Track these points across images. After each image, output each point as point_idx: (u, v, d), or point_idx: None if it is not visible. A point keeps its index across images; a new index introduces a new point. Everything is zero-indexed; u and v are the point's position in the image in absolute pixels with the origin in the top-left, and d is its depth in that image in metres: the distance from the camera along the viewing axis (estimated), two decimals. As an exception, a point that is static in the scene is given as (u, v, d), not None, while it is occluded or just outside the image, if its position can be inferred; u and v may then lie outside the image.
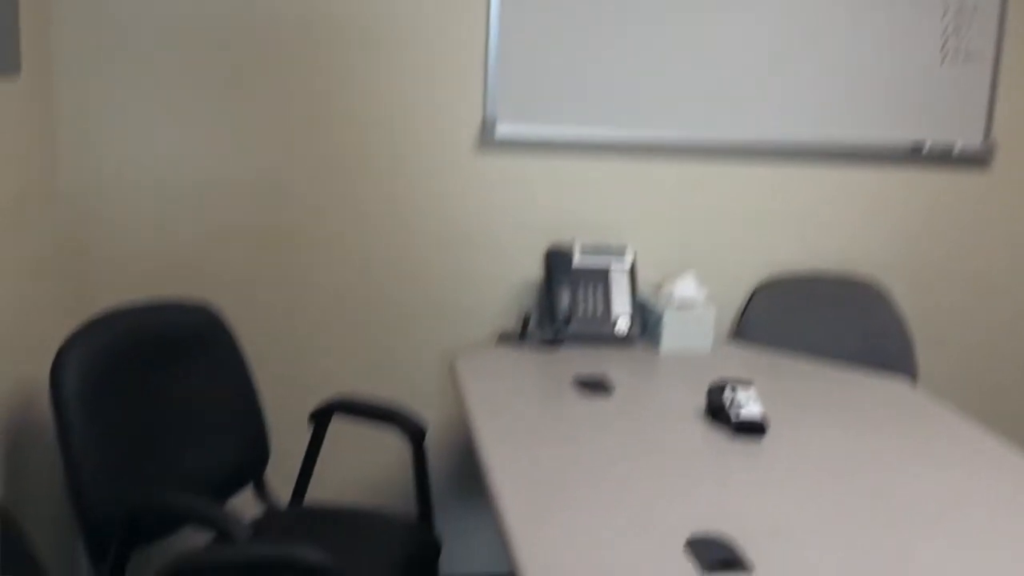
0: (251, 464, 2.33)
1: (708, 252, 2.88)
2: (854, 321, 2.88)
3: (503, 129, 2.69)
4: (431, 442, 2.82)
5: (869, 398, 2.31)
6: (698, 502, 1.68)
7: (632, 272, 2.68)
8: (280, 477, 2.61)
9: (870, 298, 2.92)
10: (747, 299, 2.90)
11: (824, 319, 2.87)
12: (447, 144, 2.70)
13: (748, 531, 1.58)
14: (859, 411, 2.22)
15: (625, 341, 2.63)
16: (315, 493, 2.75)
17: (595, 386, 2.26)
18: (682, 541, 1.54)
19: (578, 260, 2.68)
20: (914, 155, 2.92)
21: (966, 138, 2.93)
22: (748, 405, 2.00)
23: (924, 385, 3.01)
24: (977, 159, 2.97)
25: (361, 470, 2.82)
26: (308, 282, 2.70)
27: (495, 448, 1.87)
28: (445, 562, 2.89)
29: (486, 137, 2.70)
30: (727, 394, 2.03)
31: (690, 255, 2.87)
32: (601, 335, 2.61)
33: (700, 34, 2.74)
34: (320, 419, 2.42)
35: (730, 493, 1.73)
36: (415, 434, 2.32)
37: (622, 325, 2.61)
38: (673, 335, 2.58)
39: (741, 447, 1.94)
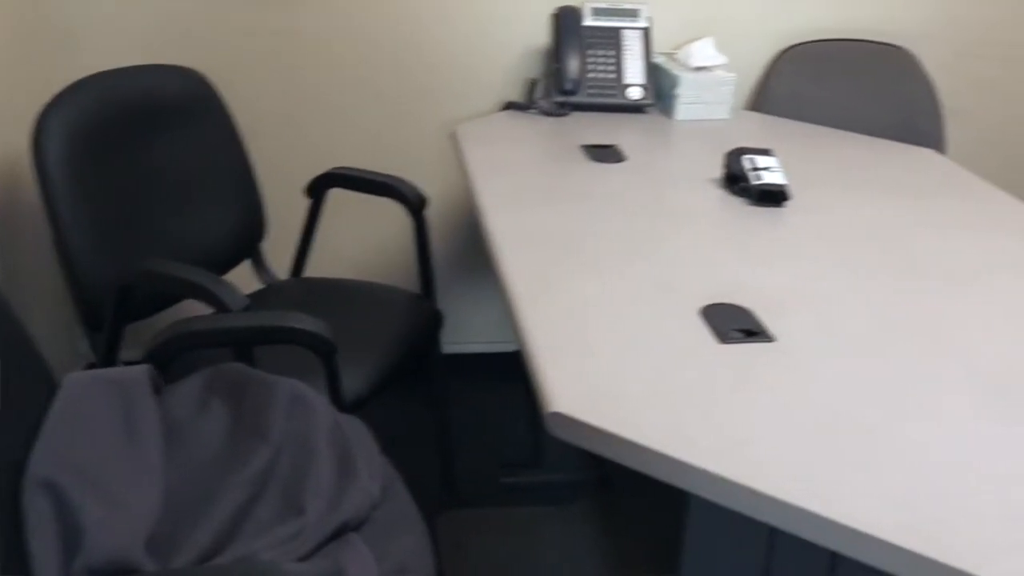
0: (247, 237, 2.24)
1: (729, 15, 2.67)
2: (882, 90, 2.71)
3: None
4: (433, 218, 2.71)
5: (896, 166, 2.19)
6: (716, 270, 1.58)
7: (647, 35, 2.50)
8: (278, 254, 2.52)
9: (900, 67, 2.73)
10: (769, 67, 2.71)
11: (850, 88, 2.70)
12: None
13: (769, 300, 1.49)
14: (886, 179, 2.09)
15: (638, 108, 2.47)
16: (315, 269, 2.67)
17: (606, 152, 2.13)
18: (698, 308, 1.45)
19: (589, 21, 2.49)
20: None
21: None
22: (769, 172, 1.88)
23: (951, 158, 2.87)
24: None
25: (362, 245, 2.73)
26: (304, 50, 2.52)
27: (498, 212, 1.76)
28: (446, 338, 2.84)
29: None
30: (746, 161, 1.90)
31: (710, 18, 2.67)
32: (613, 102, 2.45)
33: None
34: (317, 191, 2.31)
35: (750, 262, 1.63)
36: (415, 205, 2.21)
37: (635, 91, 2.45)
38: (689, 102, 2.43)
39: (761, 215, 1.83)
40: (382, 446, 1.61)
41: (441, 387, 2.39)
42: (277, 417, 1.51)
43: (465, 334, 2.87)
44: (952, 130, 2.82)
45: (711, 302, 1.47)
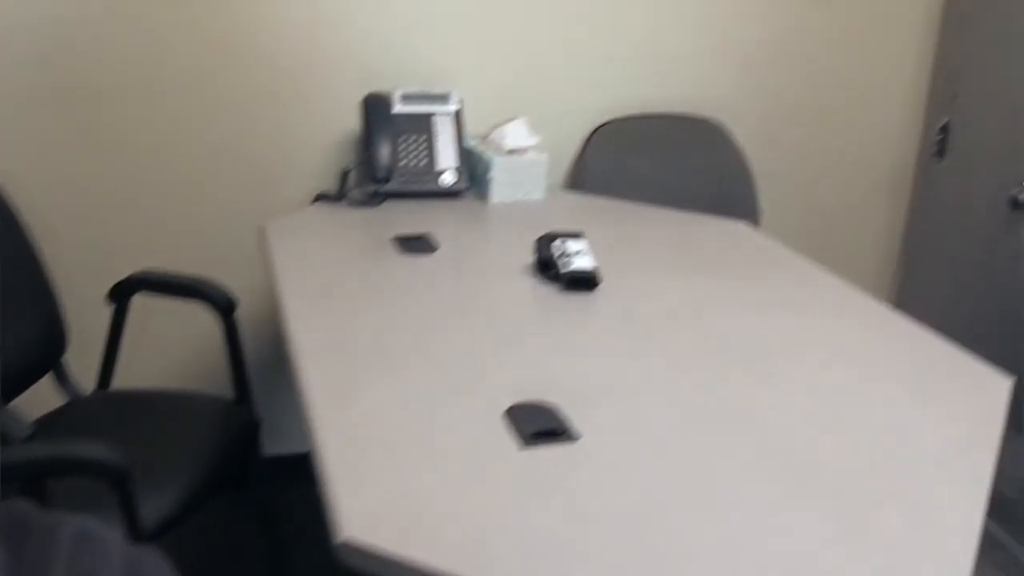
0: (47, 350, 2.09)
1: (543, 94, 2.69)
2: (696, 162, 2.76)
3: (308, -36, 2.41)
4: (248, 317, 2.61)
5: (709, 241, 2.21)
6: (524, 366, 1.54)
7: (459, 119, 2.48)
8: (83, 364, 2.36)
9: (711, 137, 2.80)
10: (584, 144, 2.74)
11: (665, 161, 2.74)
12: (245, -18, 2.41)
13: (577, 394, 1.45)
14: (698, 256, 2.11)
15: (452, 194, 2.44)
16: (123, 379, 2.52)
17: (418, 244, 2.08)
18: (503, 409, 1.40)
19: (399, 107, 2.46)
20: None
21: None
22: (579, 257, 1.86)
23: (767, 225, 2.94)
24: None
25: (171, 351, 2.60)
26: (104, 145, 2.40)
27: (301, 315, 1.68)
28: (267, 442, 2.71)
29: (289, -27, 2.42)
30: (556, 246, 1.88)
31: (524, 98, 2.68)
32: (426, 189, 2.42)
33: None
34: (120, 297, 2.18)
35: (558, 354, 1.59)
36: (224, 307, 2.11)
37: (448, 177, 2.42)
38: (503, 185, 2.41)
39: (572, 302, 1.81)
40: (204, 566, 1.49)
41: (265, 494, 2.27)
42: (59, 564, 1.38)
43: (290, 435, 2.75)
44: (765, 194, 2.90)
45: (518, 400, 1.42)
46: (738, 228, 2.32)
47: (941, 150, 2.99)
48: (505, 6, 2.60)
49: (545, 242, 1.90)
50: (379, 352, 1.56)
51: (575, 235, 1.91)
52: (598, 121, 2.74)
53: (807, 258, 2.14)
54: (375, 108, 2.42)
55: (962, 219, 2.92)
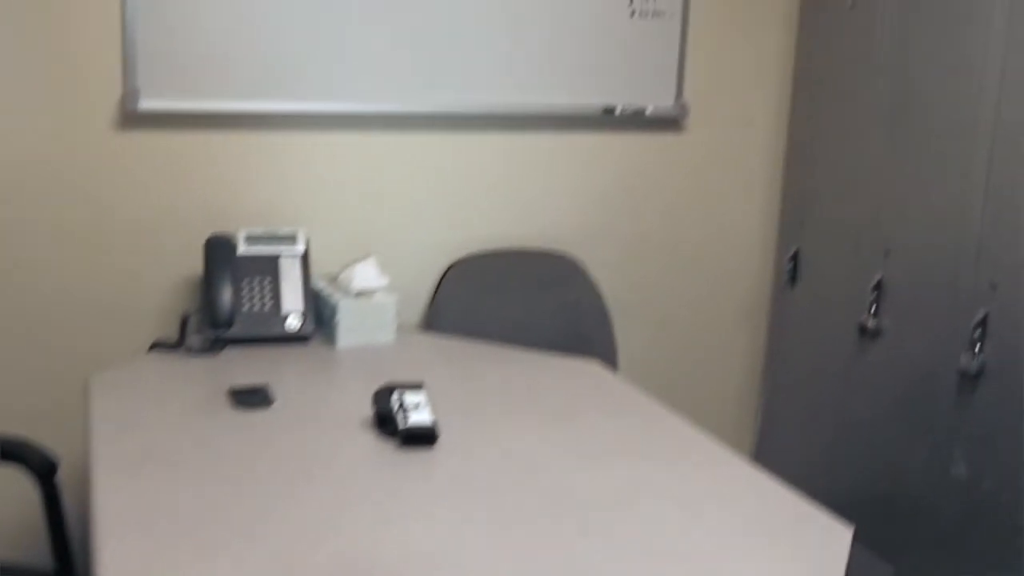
0: None
1: (394, 232, 2.66)
2: (552, 299, 2.74)
3: (149, 104, 2.35)
4: (70, 477, 2.44)
5: (560, 384, 2.17)
6: (349, 538, 1.44)
7: (306, 260, 2.42)
8: None
9: (567, 273, 2.79)
10: (438, 282, 2.69)
11: (520, 299, 2.72)
12: (81, 122, 2.32)
13: (403, 569, 1.36)
14: (547, 400, 2.06)
15: (298, 339, 2.36)
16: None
17: (254, 397, 1.99)
18: (320, 593, 1.30)
19: (243, 249, 2.38)
20: (607, 119, 2.81)
21: (658, 100, 2.85)
22: (417, 411, 1.79)
23: (624, 361, 2.92)
24: (670, 121, 2.90)
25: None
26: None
27: (109, 486, 1.56)
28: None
29: (128, 112, 2.35)
30: (395, 399, 1.81)
31: (374, 236, 2.64)
32: (270, 334, 2.33)
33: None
34: (-70, 460, 2.02)
35: (388, 523, 1.50)
36: (43, 470, 1.96)
37: (293, 321, 2.34)
38: (350, 329, 2.34)
39: (408, 460, 1.73)
40: None
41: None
42: None
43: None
44: (623, 329, 2.89)
45: (338, 581, 1.33)
46: (591, 369, 2.29)
47: (793, 277, 3.05)
48: (356, 144, 2.57)
49: (383, 395, 1.83)
50: (191, 530, 1.45)
51: (415, 386, 1.85)
52: (453, 258, 2.70)
53: (662, 395, 2.12)
54: (217, 250, 2.34)
55: (817, 345, 2.96)
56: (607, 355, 2.75)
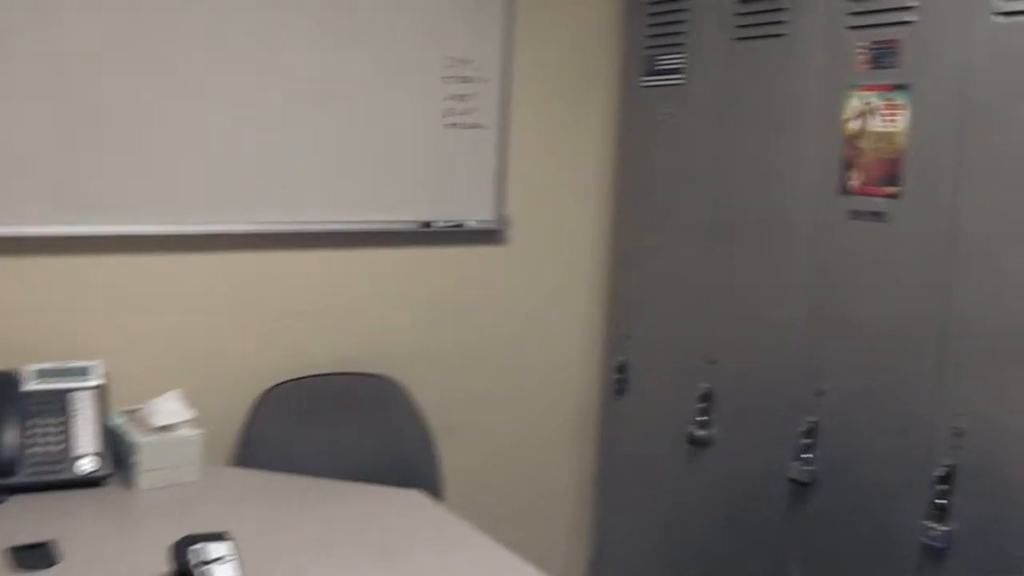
0: None
1: (201, 359, 2.48)
2: (371, 426, 2.60)
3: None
4: None
5: (384, 519, 2.02)
6: None
7: (102, 394, 2.21)
8: None
9: (388, 397, 2.66)
10: (251, 412, 2.52)
11: (338, 427, 2.57)
12: None
13: None
14: (365, 538, 1.91)
15: (92, 483, 2.13)
16: None
17: (36, 556, 1.76)
18: None
19: (30, 385, 2.16)
20: (426, 234, 2.73)
21: (478, 213, 2.80)
22: (220, 565, 1.61)
23: (451, 485, 2.79)
24: (491, 234, 2.85)
25: None
26: None
27: None
28: None
29: None
30: (194, 553, 1.63)
31: (179, 365, 2.45)
32: (60, 479, 2.10)
33: (173, 108, 2.34)
34: None
35: None
36: None
37: (86, 463, 2.12)
38: (152, 468, 2.13)
39: (211, 622, 1.55)
40: None
41: None
42: None
43: None
44: (448, 452, 2.77)
45: None
46: (415, 499, 2.16)
47: (621, 388, 3.01)
48: (159, 267, 2.40)
49: (181, 549, 1.64)
50: None
51: (218, 536, 1.67)
52: (267, 385, 2.54)
53: (491, 520, 2.02)
54: (1, 389, 2.11)
55: (647, 457, 2.92)
56: (432, 482, 2.62)
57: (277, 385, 2.54)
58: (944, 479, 2.13)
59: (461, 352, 2.84)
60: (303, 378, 2.58)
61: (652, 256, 2.89)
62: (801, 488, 2.44)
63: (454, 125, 2.71)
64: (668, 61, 2.79)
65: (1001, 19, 2.02)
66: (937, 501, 2.14)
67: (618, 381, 3.01)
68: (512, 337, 2.92)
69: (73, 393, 2.19)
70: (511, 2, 2.77)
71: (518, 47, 2.80)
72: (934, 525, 2.13)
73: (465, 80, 2.72)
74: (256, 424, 2.49)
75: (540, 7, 2.85)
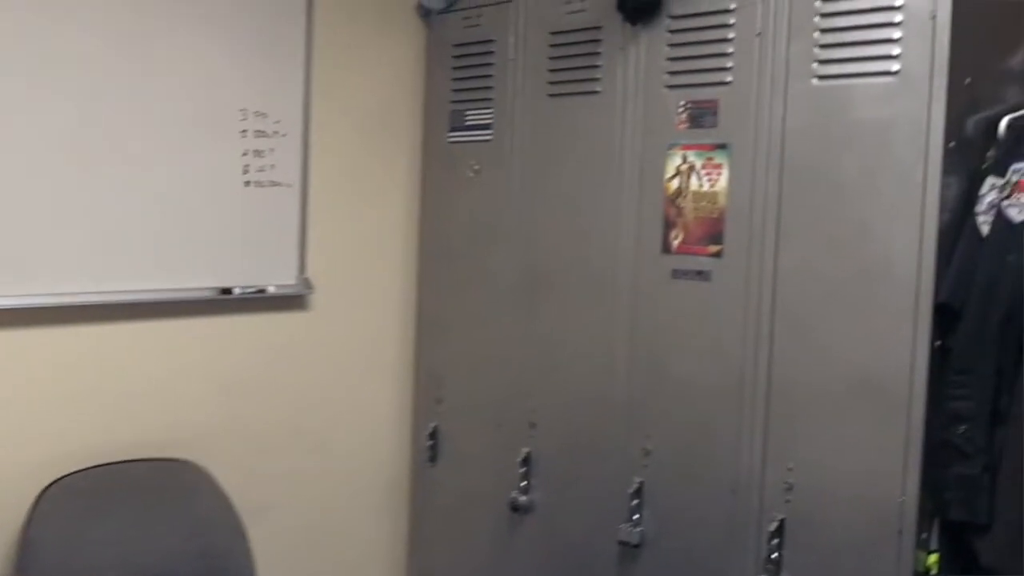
0: None
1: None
2: (173, 517, 2.33)
3: None
4: None
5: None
6: None
7: None
8: None
9: (190, 483, 2.40)
10: (30, 512, 2.19)
11: (135, 522, 2.28)
12: None
13: None
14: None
15: None
16: None
17: None
18: None
19: None
20: (225, 301, 2.50)
21: (280, 277, 2.60)
22: None
23: (261, 571, 2.56)
24: (293, 299, 2.66)
25: None
26: None
27: None
28: None
29: None
30: None
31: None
32: None
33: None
34: None
35: None
36: None
37: None
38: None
39: None
40: None
41: None
42: None
43: None
44: (258, 534, 2.54)
45: None
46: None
47: (434, 456, 2.88)
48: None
49: None
50: None
51: None
52: (48, 479, 2.22)
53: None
54: None
55: (465, 526, 2.81)
56: (243, 571, 2.39)
57: (60, 479, 2.23)
58: (775, 533, 2.15)
59: (267, 427, 2.62)
60: (90, 468, 2.28)
61: (464, 317, 2.79)
62: (631, 550, 2.39)
63: (253, 183, 2.52)
64: (477, 116, 2.72)
65: (817, 82, 2.08)
66: (770, 556, 2.15)
67: (431, 448, 2.87)
68: (319, 408, 2.73)
69: None
70: (310, 52, 2.61)
71: (318, 100, 2.64)
72: (769, 580, 2.15)
73: (263, 135, 2.53)
74: (35, 526, 2.16)
75: (341, 58, 2.71)
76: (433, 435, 2.87)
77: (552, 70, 2.55)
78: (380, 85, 2.81)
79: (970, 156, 2.00)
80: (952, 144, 1.94)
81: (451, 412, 2.83)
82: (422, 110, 2.90)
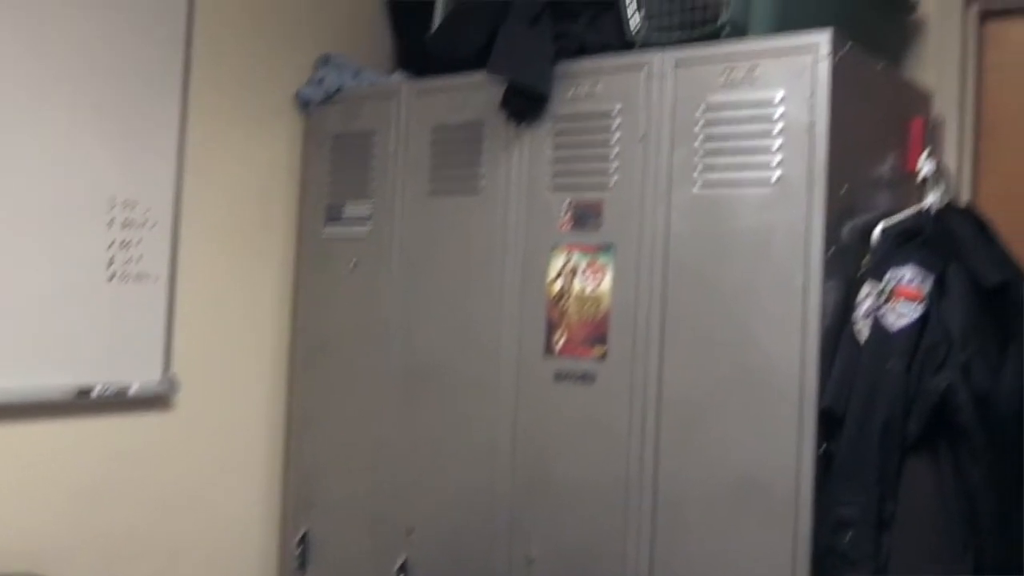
0: None
1: None
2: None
3: None
4: None
5: None
6: None
7: None
8: None
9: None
10: None
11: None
12: None
13: None
14: None
15: None
16: None
17: None
18: None
19: None
20: (83, 402, 2.32)
21: (143, 375, 2.44)
22: None
23: None
24: (157, 399, 2.50)
25: None
26: None
27: None
28: None
29: None
30: None
31: None
32: None
33: None
34: None
35: None
36: None
37: None
38: None
39: None
40: None
41: None
42: None
43: None
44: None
45: None
46: None
47: (303, 562, 2.73)
48: None
49: None
50: None
51: None
52: None
53: None
54: None
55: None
56: None
57: None
58: (661, 643, 2.09)
59: (126, 537, 2.43)
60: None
61: (339, 416, 2.67)
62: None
63: (118, 275, 2.38)
64: (355, 209, 2.65)
65: (699, 188, 2.10)
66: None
67: (300, 555, 2.72)
68: (180, 513, 2.56)
69: None
70: (183, 138, 2.50)
71: (190, 188, 2.52)
72: None
73: (131, 224, 2.40)
74: None
75: (216, 145, 2.60)
76: (303, 540, 2.72)
77: (434, 166, 2.52)
78: (256, 174, 2.72)
79: (848, 262, 2.05)
80: (831, 251, 1.97)
81: (323, 516, 2.70)
82: (298, 201, 2.81)
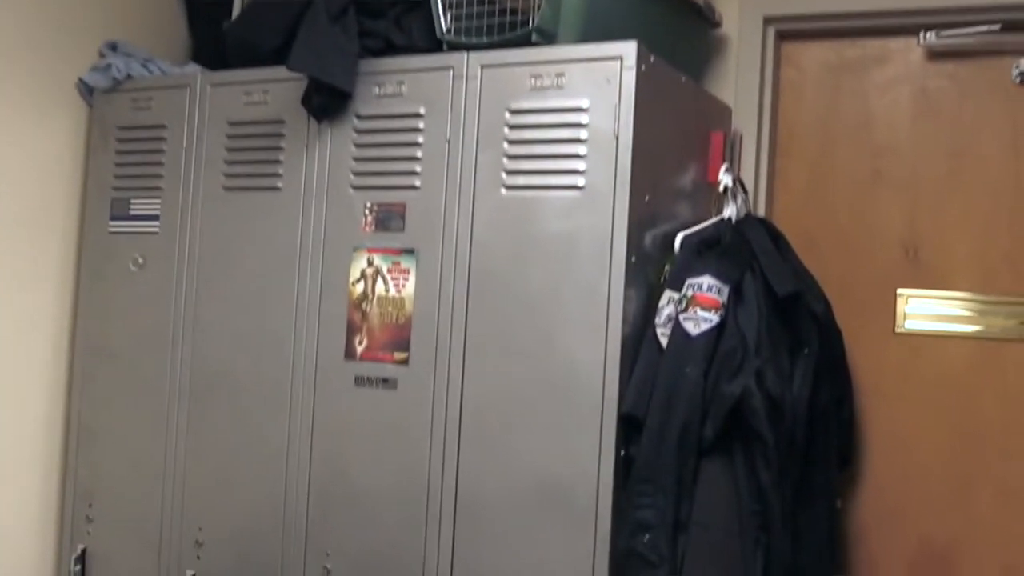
0: None
1: None
2: None
3: None
4: None
5: None
6: None
7: None
8: None
9: None
10: None
11: None
12: None
13: None
14: None
15: None
16: None
17: None
18: None
19: None
20: None
21: None
22: None
23: None
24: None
25: None
26: None
27: None
28: None
29: None
30: None
31: None
32: None
33: None
34: None
35: None
36: None
37: None
38: None
39: None
40: None
41: None
42: None
43: None
44: None
45: None
46: None
47: (82, 582, 2.55)
48: None
49: None
50: None
51: None
52: None
53: None
54: None
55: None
56: None
57: None
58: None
59: None
60: None
61: (123, 424, 2.50)
62: None
63: None
64: (143, 205, 2.49)
65: (505, 192, 2.09)
66: None
67: (79, 573, 2.53)
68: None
69: None
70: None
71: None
72: None
73: None
74: None
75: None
76: (81, 559, 2.54)
77: (230, 162, 2.40)
78: (33, 165, 2.51)
79: (649, 270, 2.08)
80: (633, 258, 2.00)
81: (104, 532, 2.52)
82: (80, 195, 2.63)
